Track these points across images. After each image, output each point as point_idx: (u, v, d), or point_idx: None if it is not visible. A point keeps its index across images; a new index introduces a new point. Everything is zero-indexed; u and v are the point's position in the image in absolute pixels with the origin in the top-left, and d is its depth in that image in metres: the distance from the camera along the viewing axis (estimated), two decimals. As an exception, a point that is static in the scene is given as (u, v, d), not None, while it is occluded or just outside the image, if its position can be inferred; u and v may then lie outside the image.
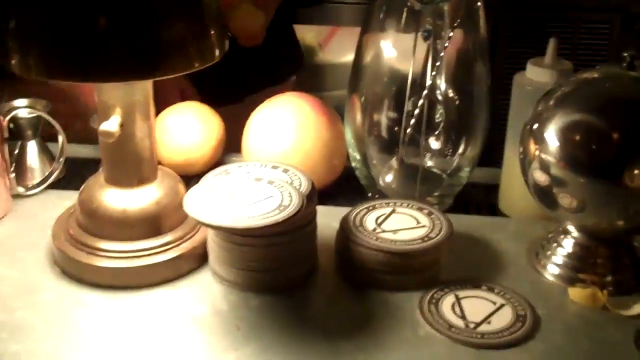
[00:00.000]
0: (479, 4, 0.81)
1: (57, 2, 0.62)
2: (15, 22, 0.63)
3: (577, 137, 0.68)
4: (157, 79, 0.65)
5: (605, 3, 2.26)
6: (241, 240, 0.70)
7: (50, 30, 0.62)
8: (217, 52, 0.68)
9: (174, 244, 0.74)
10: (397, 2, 0.80)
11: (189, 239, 0.75)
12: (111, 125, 0.69)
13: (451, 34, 0.79)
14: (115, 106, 0.70)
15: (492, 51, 0.86)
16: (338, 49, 2.17)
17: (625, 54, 0.69)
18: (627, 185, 0.67)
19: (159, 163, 0.78)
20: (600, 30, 2.24)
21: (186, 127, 0.94)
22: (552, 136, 0.69)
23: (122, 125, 0.70)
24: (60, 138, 0.89)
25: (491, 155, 0.92)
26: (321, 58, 2.18)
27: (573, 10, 2.24)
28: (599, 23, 2.24)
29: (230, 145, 0.99)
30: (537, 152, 0.71)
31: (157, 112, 0.85)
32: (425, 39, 0.80)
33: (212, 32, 0.67)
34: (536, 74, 0.81)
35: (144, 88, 0.71)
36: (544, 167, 0.70)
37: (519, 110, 0.82)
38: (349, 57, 0.89)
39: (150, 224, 0.73)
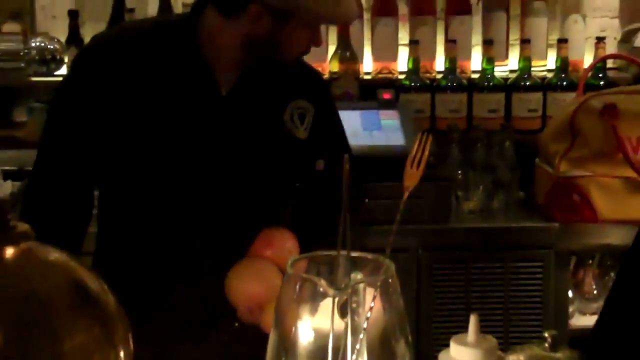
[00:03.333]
0: (394, 277, 0.99)
1: None
2: None
3: None
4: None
5: (533, 239, 2.49)
6: None
7: None
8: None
9: None
10: (308, 285, 0.98)
11: None
12: None
13: (369, 314, 0.96)
14: None
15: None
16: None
17: (546, 334, 0.87)
18: None
19: None
20: (532, 270, 2.48)
21: None
22: None
23: None
24: None
25: None
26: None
27: (496, 250, 2.48)
28: (529, 261, 2.48)
29: None
30: None
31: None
32: (342, 316, 0.96)
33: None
34: (461, 354, 0.97)
35: None
36: None
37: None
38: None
39: None
